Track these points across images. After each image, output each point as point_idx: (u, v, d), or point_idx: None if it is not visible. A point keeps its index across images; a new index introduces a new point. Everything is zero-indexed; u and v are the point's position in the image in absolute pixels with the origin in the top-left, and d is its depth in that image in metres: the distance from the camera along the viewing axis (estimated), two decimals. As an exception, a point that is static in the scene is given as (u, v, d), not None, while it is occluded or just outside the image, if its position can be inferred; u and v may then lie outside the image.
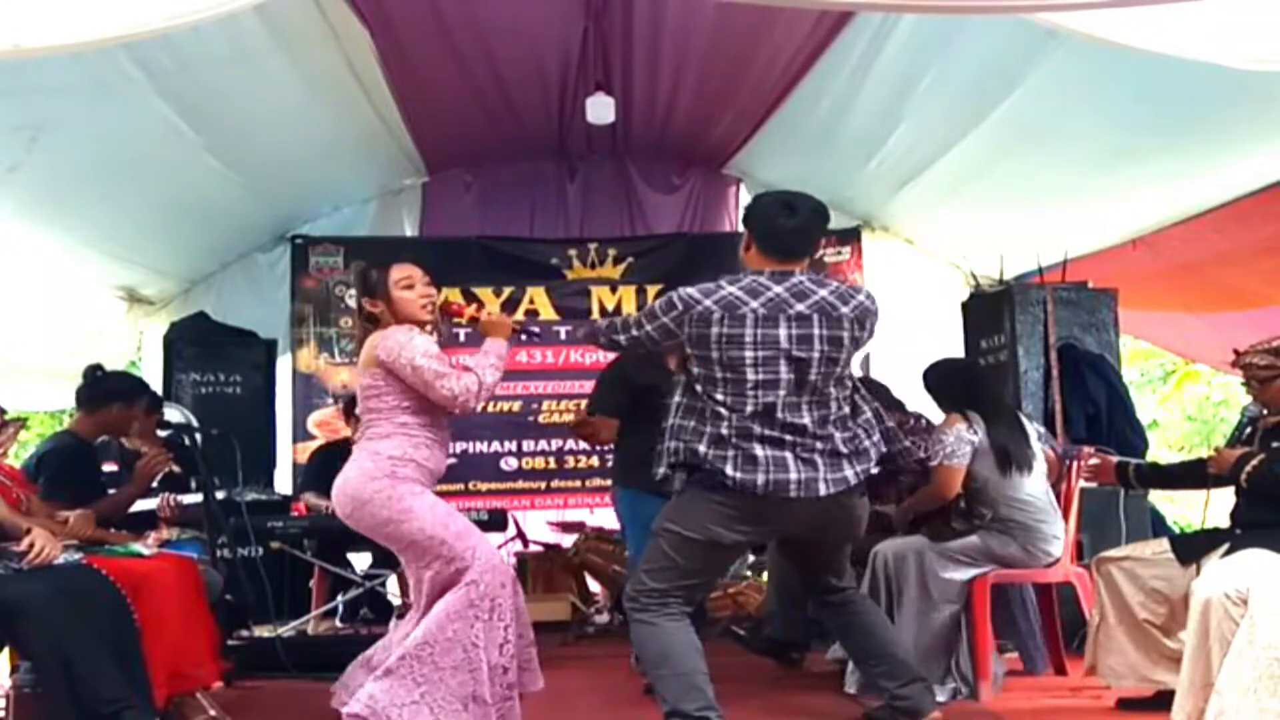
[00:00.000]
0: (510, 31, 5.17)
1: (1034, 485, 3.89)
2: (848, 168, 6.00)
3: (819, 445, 3.07)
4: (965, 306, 5.58)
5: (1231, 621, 2.78)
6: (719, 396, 3.05)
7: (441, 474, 3.32)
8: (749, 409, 3.03)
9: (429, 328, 3.32)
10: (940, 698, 3.59)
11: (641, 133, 6.48)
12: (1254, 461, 3.25)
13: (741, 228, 3.34)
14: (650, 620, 3.10)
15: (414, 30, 4.88)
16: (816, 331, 3.07)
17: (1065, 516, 3.93)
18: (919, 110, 5.11)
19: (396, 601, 5.26)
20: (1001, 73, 4.45)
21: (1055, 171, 5.16)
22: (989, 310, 5.31)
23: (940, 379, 4.17)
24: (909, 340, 5.89)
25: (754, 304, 3.06)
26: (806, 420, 3.06)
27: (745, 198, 6.92)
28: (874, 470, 3.26)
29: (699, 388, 3.10)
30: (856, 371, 3.63)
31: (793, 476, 3.01)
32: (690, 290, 3.11)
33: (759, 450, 3.01)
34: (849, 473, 3.09)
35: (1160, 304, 5.93)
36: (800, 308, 3.08)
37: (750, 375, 3.03)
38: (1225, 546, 3.19)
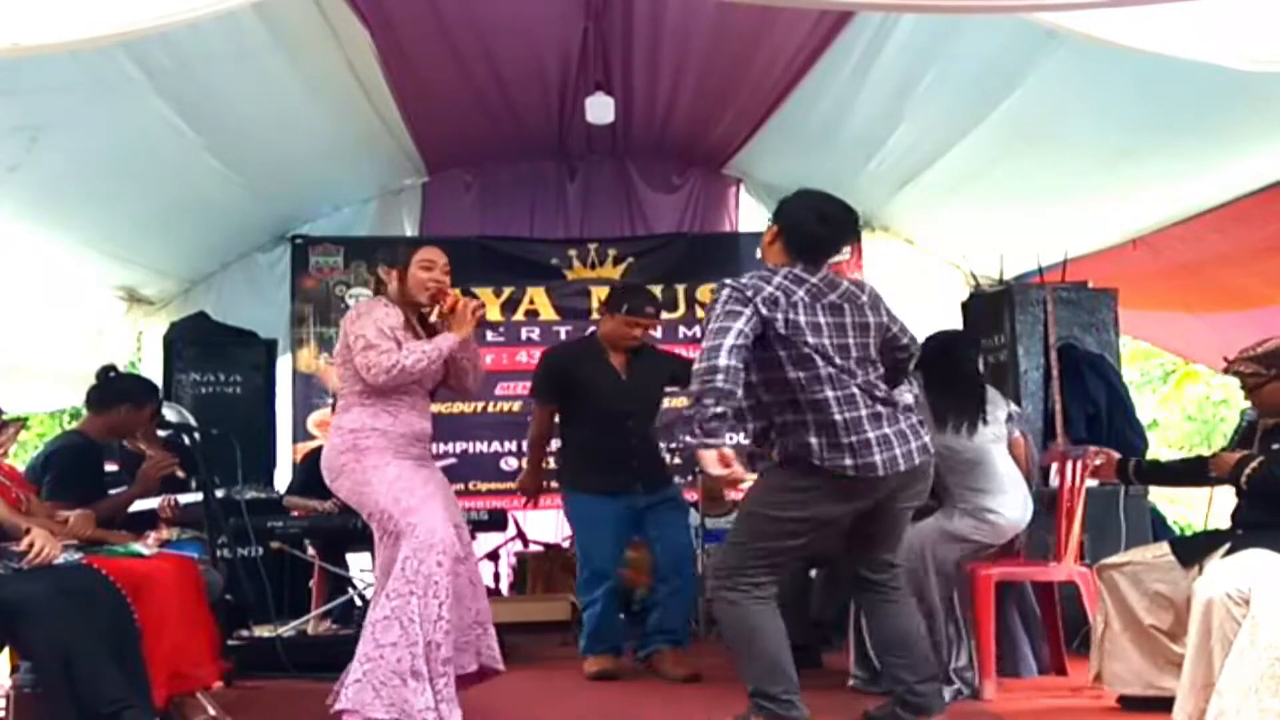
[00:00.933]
0: (510, 31, 5.16)
1: (979, 451, 3.91)
2: (848, 168, 6.00)
3: (891, 412, 3.12)
4: (965, 306, 5.58)
5: (1233, 622, 2.78)
6: (805, 385, 3.06)
7: (422, 435, 3.44)
8: (837, 396, 3.06)
9: (431, 313, 3.50)
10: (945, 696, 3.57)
11: (641, 133, 6.48)
12: (1253, 464, 3.25)
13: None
14: (739, 600, 3.11)
15: (414, 30, 4.88)
16: (849, 319, 3.15)
17: (1070, 517, 3.93)
18: (919, 110, 5.10)
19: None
20: (1001, 73, 4.45)
21: (1055, 171, 5.16)
22: (989, 310, 5.30)
23: (923, 347, 4.23)
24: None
25: (800, 292, 3.12)
26: (875, 390, 3.12)
27: (745, 198, 6.93)
28: None
29: (789, 379, 3.08)
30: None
31: (898, 451, 3.07)
32: (742, 280, 3.11)
33: (870, 433, 3.05)
34: (926, 439, 3.18)
35: (1160, 304, 5.93)
36: (833, 297, 3.16)
37: (821, 367, 3.07)
38: (1226, 547, 3.19)
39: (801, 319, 3.07)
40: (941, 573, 3.86)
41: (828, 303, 3.13)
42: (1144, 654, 3.40)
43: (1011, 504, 3.90)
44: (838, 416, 3.04)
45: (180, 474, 4.50)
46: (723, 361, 2.91)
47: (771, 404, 3.13)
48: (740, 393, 2.99)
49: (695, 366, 2.99)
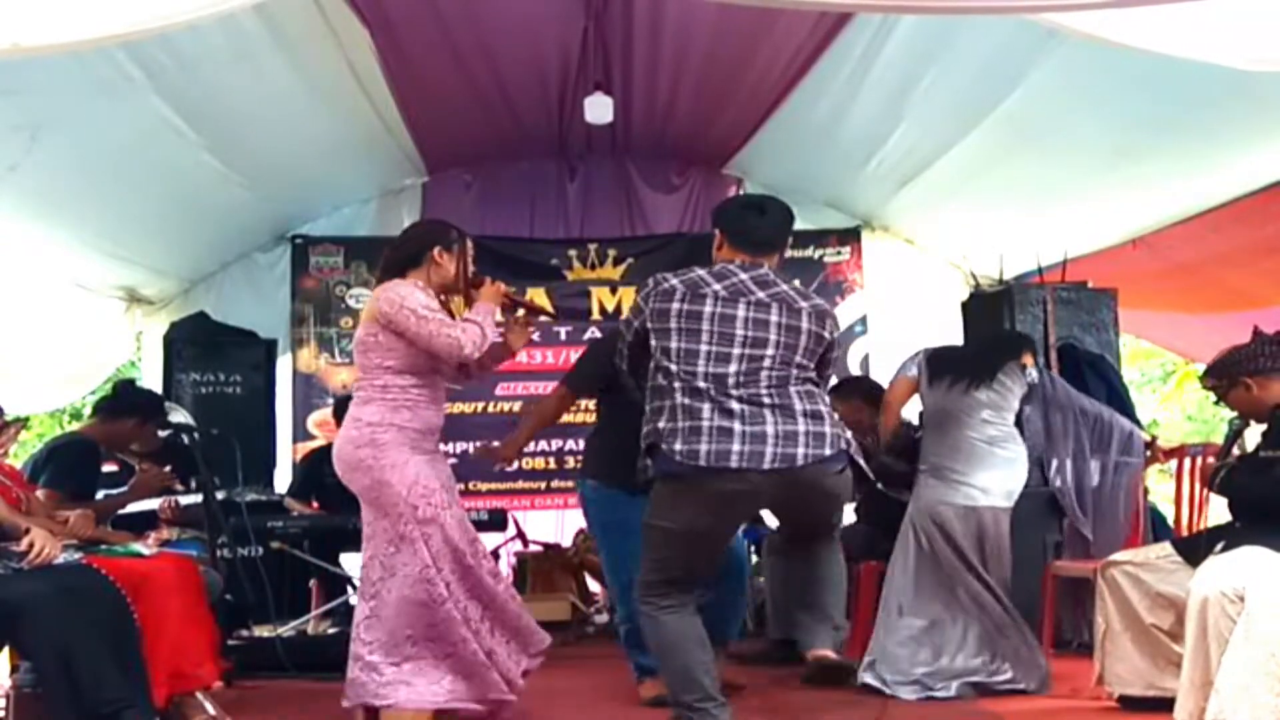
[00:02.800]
0: (510, 31, 5.17)
1: (957, 411, 4.00)
2: (848, 168, 6.00)
3: (770, 418, 3.06)
4: (965, 306, 5.57)
5: (1228, 619, 2.78)
6: (672, 369, 3.10)
7: (435, 429, 3.40)
8: (699, 380, 3.07)
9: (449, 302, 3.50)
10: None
11: (641, 133, 6.48)
12: (1221, 474, 3.28)
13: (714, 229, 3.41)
14: (650, 614, 3.15)
15: (414, 30, 4.88)
16: (775, 319, 3.15)
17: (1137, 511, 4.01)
18: (919, 110, 5.11)
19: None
20: (1001, 73, 4.45)
21: (1055, 171, 5.16)
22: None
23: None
24: (909, 340, 5.88)
25: (717, 285, 3.17)
26: (763, 394, 3.08)
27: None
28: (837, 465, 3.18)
29: (657, 367, 3.16)
30: (856, 370, 3.64)
31: (735, 447, 3.01)
32: (663, 272, 3.27)
33: (705, 421, 3.03)
34: (801, 451, 3.05)
35: (1160, 304, 5.93)
36: (761, 295, 3.17)
37: (704, 348, 3.10)
38: (1222, 544, 3.19)
39: (705, 308, 3.13)
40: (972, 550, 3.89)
41: (755, 299, 3.15)
42: (1145, 654, 3.40)
43: (986, 478, 3.93)
44: (683, 400, 3.06)
45: (178, 486, 4.54)
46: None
47: (652, 390, 3.17)
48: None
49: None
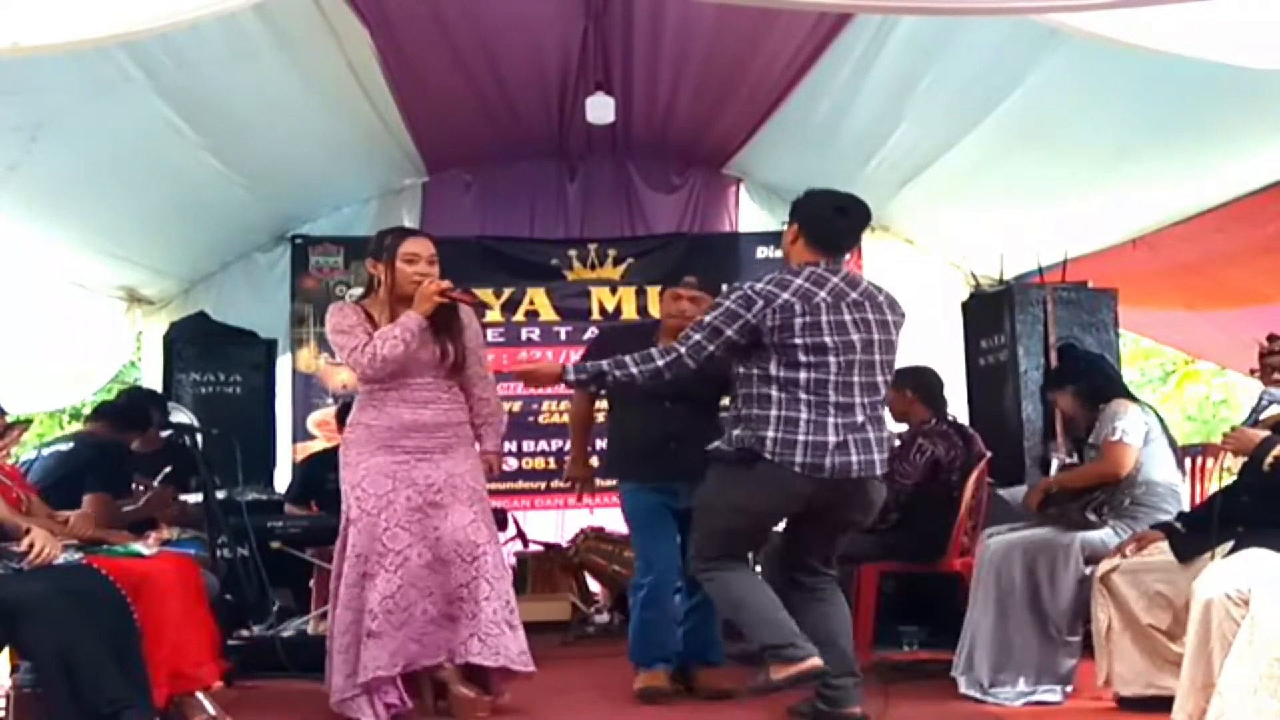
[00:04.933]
0: (510, 31, 5.16)
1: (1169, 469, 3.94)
2: (848, 168, 5.99)
3: (868, 428, 3.24)
4: (965, 306, 5.58)
5: (1232, 622, 2.77)
6: (802, 379, 3.19)
7: (416, 426, 3.53)
8: (828, 394, 3.19)
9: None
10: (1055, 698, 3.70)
11: (641, 133, 6.48)
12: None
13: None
14: (717, 575, 3.30)
15: (414, 30, 4.87)
16: (872, 316, 3.26)
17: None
18: (919, 110, 5.10)
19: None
20: (1001, 73, 4.45)
21: (1055, 171, 5.16)
22: (989, 310, 5.31)
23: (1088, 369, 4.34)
24: (909, 340, 5.86)
25: (822, 293, 3.23)
26: (860, 402, 3.23)
27: (745, 198, 6.93)
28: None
29: (772, 375, 3.22)
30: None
31: (854, 458, 3.19)
32: (761, 285, 3.26)
33: (831, 436, 3.17)
34: (876, 458, 3.27)
35: (1161, 303, 5.93)
36: (854, 295, 3.27)
37: (832, 359, 3.19)
38: (1229, 546, 3.18)
39: (823, 319, 3.19)
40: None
41: (851, 300, 3.25)
42: (1144, 654, 3.40)
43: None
44: (805, 415, 3.17)
45: (182, 496, 4.60)
46: (687, 358, 3.27)
47: (745, 397, 3.27)
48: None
49: (683, 341, 3.30)
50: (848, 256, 3.65)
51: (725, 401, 3.77)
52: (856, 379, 3.22)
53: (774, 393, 3.20)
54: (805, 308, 3.20)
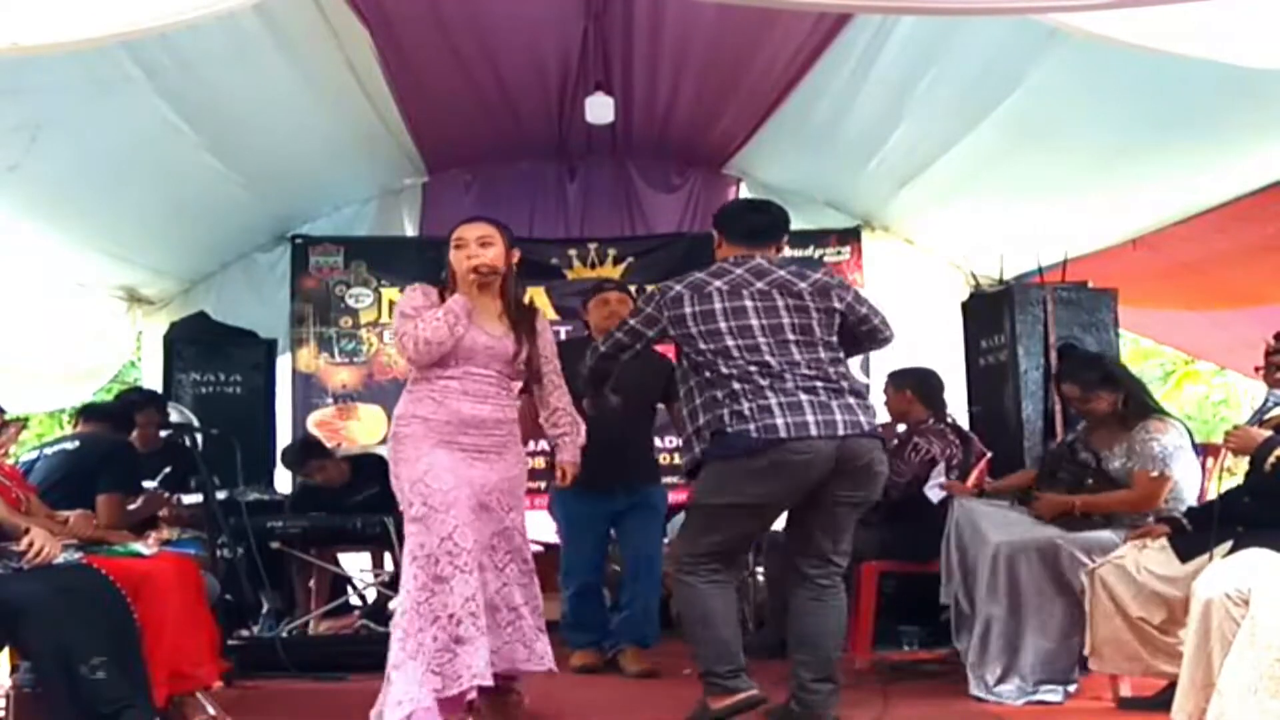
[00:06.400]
0: (510, 31, 5.16)
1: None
2: (848, 168, 6.00)
3: (824, 385, 3.24)
4: (965, 306, 5.57)
5: (1233, 622, 2.78)
6: (717, 364, 3.26)
7: (473, 422, 3.39)
8: (746, 367, 3.23)
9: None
10: (1057, 698, 3.73)
11: (641, 133, 6.48)
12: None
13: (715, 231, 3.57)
14: (694, 584, 3.27)
15: (414, 30, 4.88)
16: (780, 303, 3.31)
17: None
18: (919, 110, 5.10)
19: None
20: (1001, 72, 4.45)
21: (1055, 171, 5.16)
22: (989, 310, 5.30)
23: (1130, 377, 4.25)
24: (909, 340, 5.86)
25: (717, 283, 3.34)
26: (802, 364, 3.25)
27: (745, 197, 6.92)
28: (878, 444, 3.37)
29: (695, 366, 3.32)
30: (855, 369, 3.69)
31: (810, 418, 3.16)
32: (667, 281, 3.44)
33: (771, 399, 3.18)
34: (862, 417, 3.26)
35: (1161, 303, 5.93)
36: (760, 284, 3.33)
37: (730, 341, 3.26)
38: (1228, 546, 3.18)
39: (716, 305, 3.28)
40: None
41: (756, 289, 3.31)
42: (1137, 640, 3.44)
43: None
44: (737, 386, 3.21)
45: (178, 497, 4.61)
46: (605, 345, 3.48)
47: (696, 386, 3.33)
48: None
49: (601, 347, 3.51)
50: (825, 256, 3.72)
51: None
52: (771, 358, 3.23)
53: (703, 378, 3.29)
54: (695, 296, 3.31)
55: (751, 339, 3.25)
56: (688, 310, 3.31)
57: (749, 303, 3.29)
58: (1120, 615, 3.46)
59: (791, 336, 3.27)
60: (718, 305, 3.29)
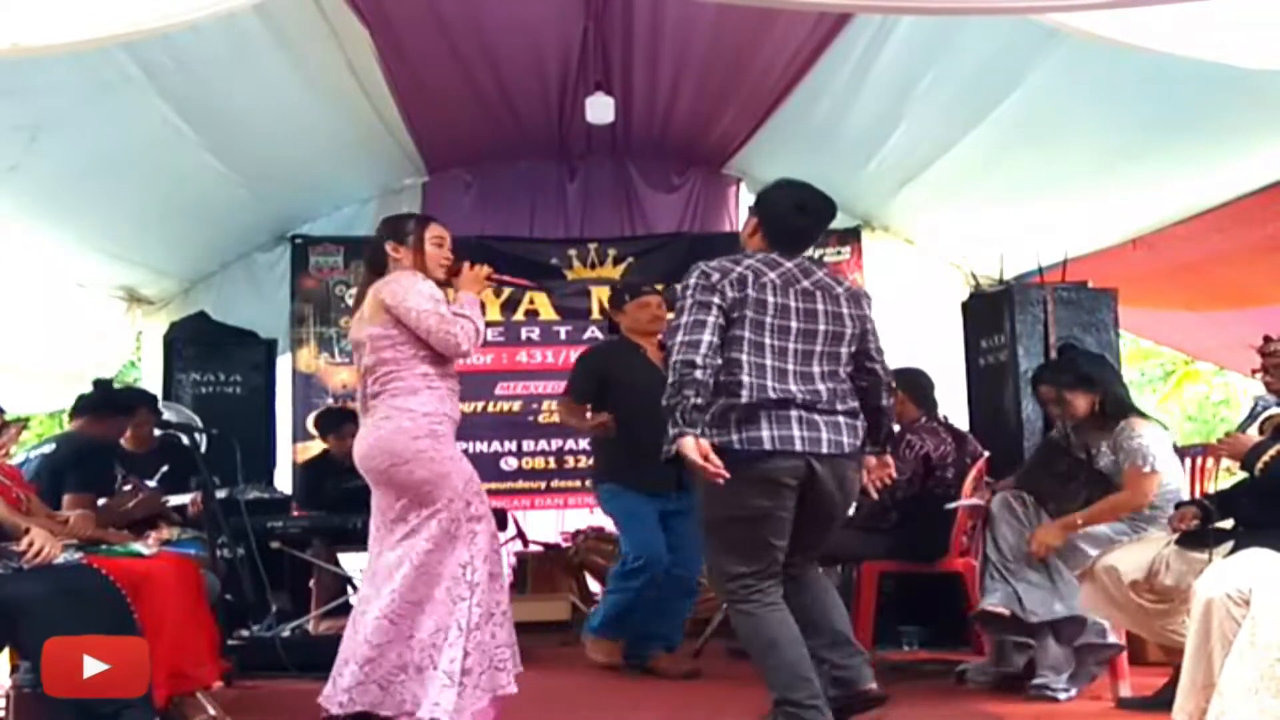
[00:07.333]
0: (510, 31, 5.17)
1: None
2: (848, 168, 6.00)
3: (825, 410, 3.16)
4: (965, 306, 5.57)
5: (1233, 622, 2.77)
6: (743, 361, 3.11)
7: (457, 423, 3.40)
8: (766, 375, 3.11)
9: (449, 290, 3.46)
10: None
11: (641, 133, 6.48)
12: (1272, 451, 3.12)
13: (746, 213, 3.44)
14: (750, 611, 3.14)
15: (414, 30, 4.88)
16: (821, 307, 3.20)
17: None
18: (919, 110, 5.10)
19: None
20: (1001, 73, 4.45)
21: (1055, 171, 5.16)
22: (989, 310, 5.30)
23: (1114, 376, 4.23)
24: (909, 340, 5.88)
25: (772, 275, 3.18)
26: (819, 388, 3.16)
27: (745, 197, 6.92)
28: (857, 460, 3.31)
29: (740, 336, 3.14)
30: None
31: (796, 433, 3.10)
32: (714, 262, 3.19)
33: (763, 413, 3.09)
34: (846, 440, 3.19)
35: (1161, 303, 5.93)
36: (806, 283, 3.22)
37: (769, 340, 3.13)
38: (1229, 546, 3.18)
39: (769, 298, 3.14)
40: None
41: (800, 289, 3.20)
42: (1133, 621, 3.49)
43: None
44: (770, 381, 3.10)
45: (174, 499, 4.59)
46: (700, 357, 3.03)
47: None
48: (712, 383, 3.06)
49: (673, 357, 3.07)
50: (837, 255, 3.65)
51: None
52: (791, 366, 3.14)
53: (739, 358, 3.12)
54: (755, 282, 3.15)
55: (785, 342, 3.14)
56: (750, 294, 3.13)
57: (794, 302, 3.18)
58: (1125, 607, 3.50)
59: (820, 347, 3.18)
60: (770, 300, 3.14)
